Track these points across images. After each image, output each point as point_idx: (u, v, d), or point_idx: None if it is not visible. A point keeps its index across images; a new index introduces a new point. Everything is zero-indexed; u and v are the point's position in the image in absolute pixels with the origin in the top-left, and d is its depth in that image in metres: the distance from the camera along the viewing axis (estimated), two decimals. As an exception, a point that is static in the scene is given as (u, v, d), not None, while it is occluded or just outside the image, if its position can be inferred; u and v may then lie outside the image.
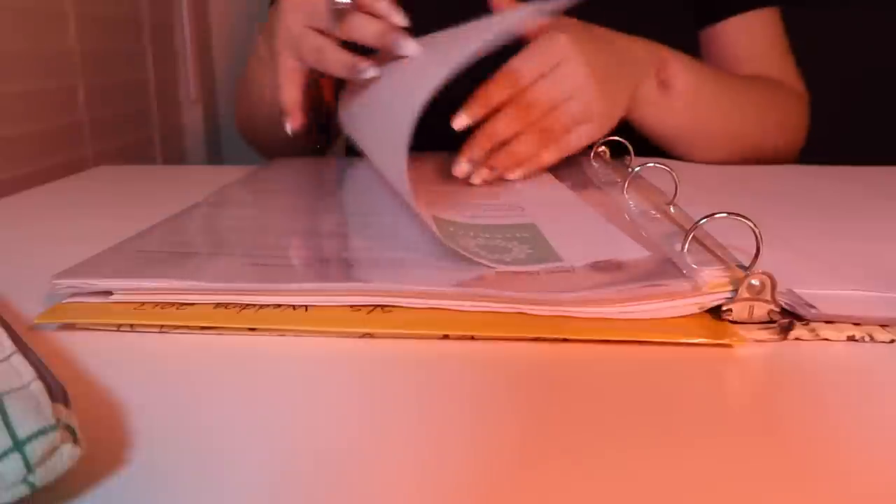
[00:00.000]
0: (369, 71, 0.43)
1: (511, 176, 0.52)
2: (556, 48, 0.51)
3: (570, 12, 0.65)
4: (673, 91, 0.59)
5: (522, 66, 0.51)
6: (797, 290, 0.30)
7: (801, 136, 0.72)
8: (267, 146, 0.72)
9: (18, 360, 0.21)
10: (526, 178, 0.52)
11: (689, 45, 0.71)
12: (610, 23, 0.67)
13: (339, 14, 0.45)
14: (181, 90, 1.09)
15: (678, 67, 0.59)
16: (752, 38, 0.72)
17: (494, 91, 0.50)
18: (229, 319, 0.29)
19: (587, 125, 0.53)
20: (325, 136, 0.72)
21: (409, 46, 0.42)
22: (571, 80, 0.51)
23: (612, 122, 0.55)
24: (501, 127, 0.50)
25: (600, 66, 0.53)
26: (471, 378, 0.25)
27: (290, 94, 0.51)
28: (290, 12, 0.50)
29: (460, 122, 0.49)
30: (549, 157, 0.53)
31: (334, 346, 0.28)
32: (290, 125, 0.49)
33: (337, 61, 0.47)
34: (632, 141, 0.56)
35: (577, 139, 0.53)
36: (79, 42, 0.79)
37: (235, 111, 0.75)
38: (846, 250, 0.36)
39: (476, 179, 0.51)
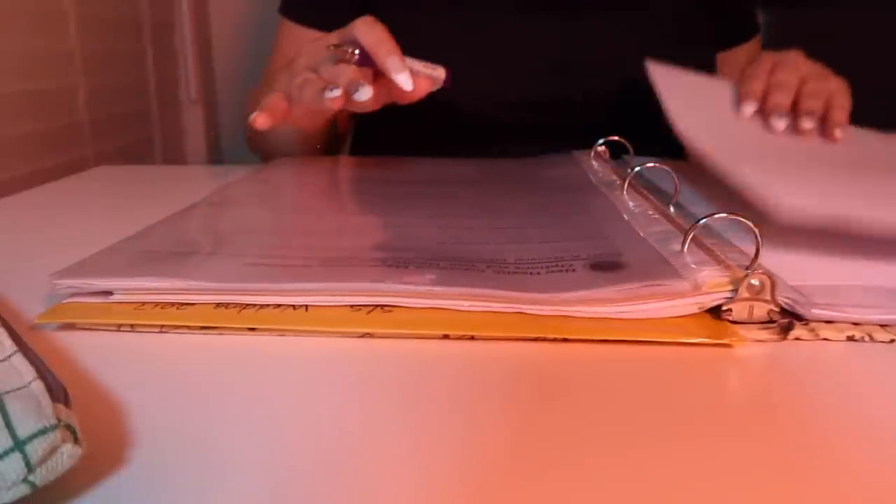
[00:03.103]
0: (336, 91, 0.45)
1: (837, 131, 0.53)
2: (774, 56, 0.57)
3: (596, 30, 0.66)
4: None
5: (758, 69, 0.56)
6: (795, 285, 0.30)
7: None
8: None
9: (19, 360, 0.21)
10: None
11: (709, 64, 0.73)
12: (635, 40, 0.68)
13: (335, 59, 0.47)
14: (181, 90, 1.09)
15: None
16: (751, 57, 0.76)
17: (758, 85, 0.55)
18: (229, 319, 0.29)
19: (834, 80, 0.56)
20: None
21: (365, 92, 0.45)
22: (802, 65, 0.56)
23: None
24: (781, 96, 0.54)
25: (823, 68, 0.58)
26: (471, 378, 0.25)
27: (272, 102, 0.51)
28: (300, 57, 0.51)
29: (749, 108, 0.53)
30: (840, 114, 0.54)
31: (334, 346, 0.28)
32: (255, 120, 0.49)
33: (312, 95, 0.48)
34: (631, 140, 0.56)
35: (841, 98, 0.55)
36: (79, 42, 0.79)
37: (244, 129, 0.76)
38: (847, 248, 0.36)
39: (807, 124, 0.52)
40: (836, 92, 0.56)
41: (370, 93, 0.44)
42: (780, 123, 0.53)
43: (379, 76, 0.48)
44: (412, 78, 0.47)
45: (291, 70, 0.51)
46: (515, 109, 0.68)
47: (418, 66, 0.50)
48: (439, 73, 0.51)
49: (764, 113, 0.54)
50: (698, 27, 0.71)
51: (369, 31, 0.46)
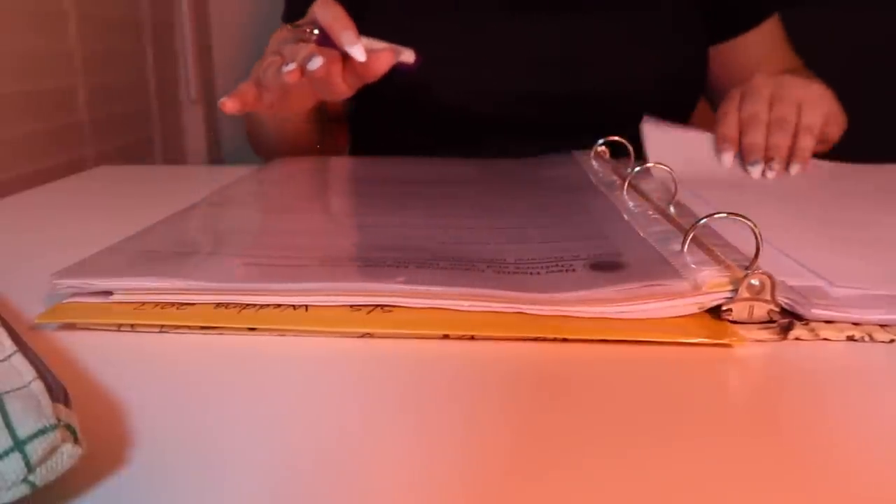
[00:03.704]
0: (291, 65, 0.48)
1: (793, 168, 0.56)
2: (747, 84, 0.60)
3: (596, 29, 0.66)
4: (823, 145, 0.62)
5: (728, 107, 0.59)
6: (796, 286, 0.30)
7: None
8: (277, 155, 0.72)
9: (19, 360, 0.21)
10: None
11: (701, 58, 0.72)
12: (634, 38, 0.68)
13: (296, 40, 0.50)
14: (181, 90, 1.09)
15: (837, 127, 0.62)
16: (769, 43, 0.75)
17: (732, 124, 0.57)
18: (229, 319, 0.29)
19: (806, 101, 0.57)
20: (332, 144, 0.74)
21: (316, 61, 0.48)
22: (765, 88, 0.58)
23: (827, 98, 0.58)
24: (754, 135, 0.56)
25: (785, 79, 0.59)
26: (470, 378, 0.25)
27: (241, 87, 0.53)
28: (270, 45, 0.55)
29: (729, 158, 0.57)
30: (807, 140, 0.56)
31: (334, 346, 0.28)
32: (223, 105, 0.51)
33: (272, 75, 0.51)
34: (631, 141, 0.56)
35: (809, 114, 0.56)
36: (79, 42, 0.79)
37: (247, 131, 0.75)
38: (847, 249, 0.36)
39: (769, 174, 0.55)
40: (804, 104, 0.57)
41: (320, 61, 0.47)
42: (756, 171, 0.55)
43: (346, 59, 0.50)
44: (373, 54, 0.48)
45: (263, 58, 0.53)
46: (515, 108, 0.68)
47: (377, 44, 0.51)
48: (405, 53, 0.51)
49: (742, 156, 0.57)
50: (695, 22, 0.71)
51: (325, 10, 0.48)
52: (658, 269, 0.31)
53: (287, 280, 0.30)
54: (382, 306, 0.30)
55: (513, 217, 0.42)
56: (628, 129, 0.58)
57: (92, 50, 0.82)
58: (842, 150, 0.63)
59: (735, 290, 0.29)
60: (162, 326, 0.29)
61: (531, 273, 0.32)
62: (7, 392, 0.19)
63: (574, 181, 0.52)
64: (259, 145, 0.73)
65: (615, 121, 0.62)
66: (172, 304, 0.30)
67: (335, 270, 0.32)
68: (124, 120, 0.91)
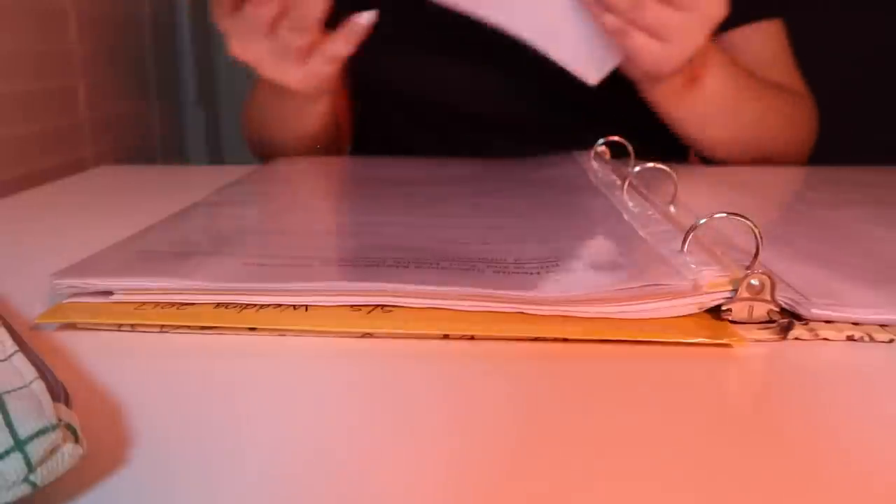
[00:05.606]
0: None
1: None
2: None
3: None
4: (699, 87, 0.60)
5: None
6: (796, 286, 0.30)
7: (810, 141, 0.72)
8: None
9: (20, 360, 0.21)
10: None
11: None
12: None
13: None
14: (181, 90, 1.09)
15: (716, 66, 0.60)
16: (753, 50, 0.71)
17: None
18: (229, 319, 0.29)
19: (662, 43, 0.54)
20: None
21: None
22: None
23: (681, 59, 0.55)
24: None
25: None
26: (471, 378, 0.25)
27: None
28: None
29: None
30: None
31: (334, 346, 0.28)
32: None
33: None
34: (632, 141, 0.56)
35: (643, 45, 0.54)
36: (79, 42, 0.79)
37: (246, 130, 0.75)
38: (847, 250, 0.36)
39: None
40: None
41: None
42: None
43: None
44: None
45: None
46: (516, 108, 0.68)
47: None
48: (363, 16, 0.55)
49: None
50: None
51: None
52: (658, 269, 0.31)
53: (287, 280, 0.30)
54: (382, 306, 0.30)
55: (512, 217, 0.43)
56: (630, 131, 0.58)
57: (92, 50, 0.82)
58: (842, 153, 0.63)
59: (735, 290, 0.29)
60: (162, 326, 0.29)
61: (531, 273, 0.32)
62: (8, 392, 0.19)
63: (574, 181, 0.52)
64: (265, 144, 0.73)
65: (616, 123, 0.62)
66: (172, 304, 0.30)
67: (335, 270, 0.32)
68: (124, 120, 0.91)
